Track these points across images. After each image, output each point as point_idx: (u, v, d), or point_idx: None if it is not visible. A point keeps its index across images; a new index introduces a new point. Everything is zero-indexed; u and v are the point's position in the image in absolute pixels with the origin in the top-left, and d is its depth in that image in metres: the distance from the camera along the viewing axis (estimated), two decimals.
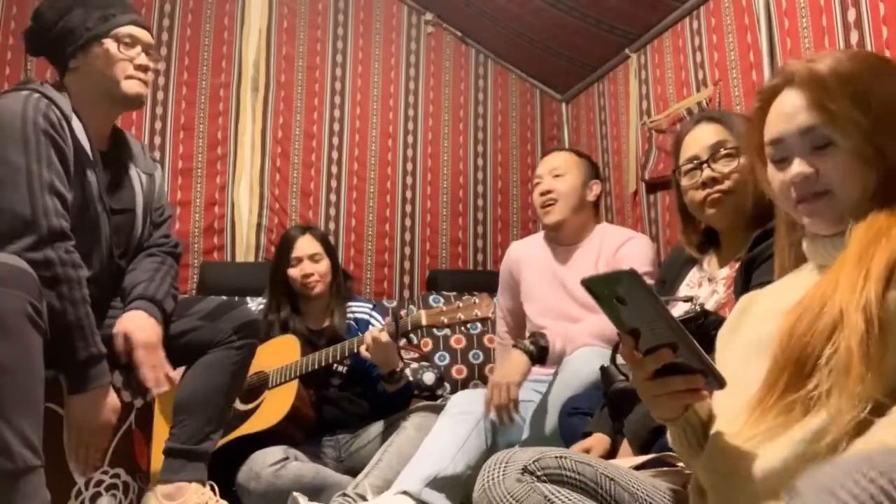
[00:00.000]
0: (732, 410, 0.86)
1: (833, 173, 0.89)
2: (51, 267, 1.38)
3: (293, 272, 2.30)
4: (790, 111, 0.92)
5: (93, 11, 1.61)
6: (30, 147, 1.43)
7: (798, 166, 0.91)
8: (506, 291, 2.45)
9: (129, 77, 1.63)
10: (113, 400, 1.50)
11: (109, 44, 1.61)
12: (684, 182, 1.64)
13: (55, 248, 1.40)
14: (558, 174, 2.26)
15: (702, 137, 1.63)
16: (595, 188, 2.30)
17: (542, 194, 2.27)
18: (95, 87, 1.62)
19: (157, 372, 1.55)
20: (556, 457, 1.09)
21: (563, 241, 2.30)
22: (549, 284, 2.27)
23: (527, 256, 2.38)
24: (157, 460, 1.68)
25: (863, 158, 0.87)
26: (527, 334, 2.34)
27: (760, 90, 0.99)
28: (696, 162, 1.60)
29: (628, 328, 0.81)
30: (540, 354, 1.88)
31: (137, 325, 1.55)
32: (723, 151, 1.59)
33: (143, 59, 1.65)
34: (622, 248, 2.18)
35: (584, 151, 2.56)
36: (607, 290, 0.77)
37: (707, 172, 1.58)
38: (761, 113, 0.97)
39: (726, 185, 1.57)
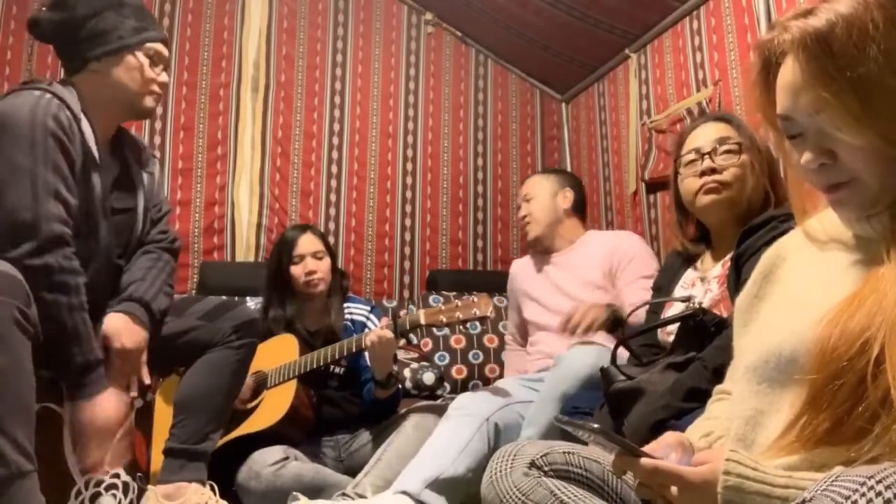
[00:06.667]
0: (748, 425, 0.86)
1: (853, 161, 0.78)
2: (50, 274, 1.38)
3: (296, 270, 2.29)
4: (793, 87, 0.81)
5: (126, 20, 1.60)
6: (37, 149, 1.42)
7: (810, 153, 0.80)
8: (512, 307, 2.58)
9: (150, 93, 1.65)
10: (116, 400, 1.48)
11: (142, 58, 1.62)
12: (683, 171, 1.66)
13: (55, 254, 1.39)
14: (528, 198, 2.45)
15: (707, 132, 1.66)
16: (567, 195, 2.43)
17: (521, 220, 2.49)
18: (112, 94, 1.62)
19: (125, 380, 1.54)
20: (565, 452, 1.09)
21: (550, 250, 2.43)
22: (544, 287, 2.38)
23: (524, 268, 2.53)
24: (157, 460, 1.68)
25: (884, 149, 0.76)
26: (530, 337, 2.41)
27: (758, 45, 0.87)
28: (697, 153, 1.62)
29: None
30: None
31: (116, 330, 1.53)
32: (725, 146, 1.61)
33: (164, 78, 1.68)
34: (620, 247, 2.27)
35: (556, 168, 2.79)
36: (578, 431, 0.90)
37: (707, 163, 1.61)
38: (765, 74, 0.86)
39: (724, 176, 1.59)
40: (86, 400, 1.44)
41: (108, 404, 1.47)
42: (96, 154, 1.56)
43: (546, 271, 2.41)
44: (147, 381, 1.60)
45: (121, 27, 1.60)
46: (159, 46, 1.66)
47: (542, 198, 2.42)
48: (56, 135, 1.45)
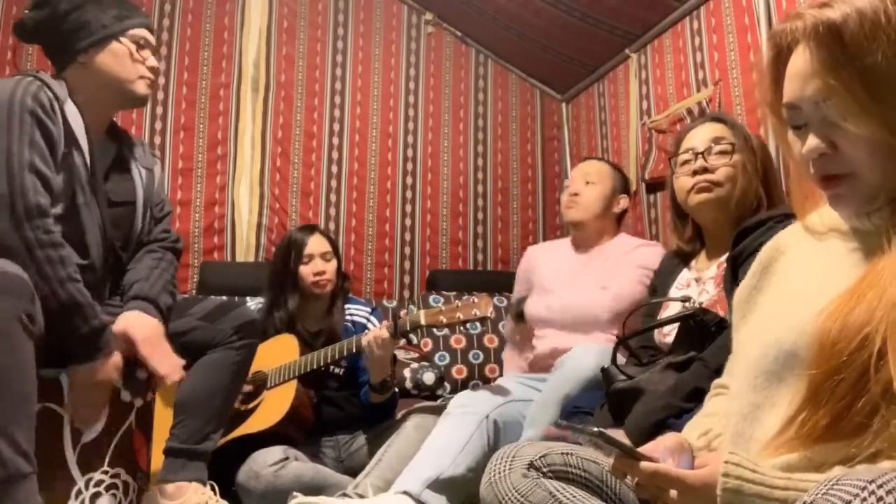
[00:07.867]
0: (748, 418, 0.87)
1: (854, 152, 0.79)
2: (30, 250, 1.38)
3: (305, 270, 2.29)
4: (802, 74, 0.82)
5: (107, 9, 1.62)
6: (13, 126, 1.43)
7: (812, 140, 0.81)
8: (521, 292, 2.48)
9: (141, 77, 1.66)
10: (115, 359, 1.48)
11: (128, 44, 1.63)
12: (678, 170, 1.69)
13: (33, 228, 1.39)
14: (589, 181, 2.30)
15: (702, 133, 1.70)
16: (622, 202, 2.33)
17: (570, 195, 2.31)
18: (105, 83, 1.63)
19: (167, 361, 1.54)
20: (563, 453, 1.10)
21: (581, 243, 2.34)
22: (564, 282, 2.27)
23: (544, 255, 2.42)
24: (157, 460, 1.68)
25: (886, 142, 0.77)
26: (534, 332, 2.35)
27: (772, 34, 0.88)
28: (691, 152, 1.65)
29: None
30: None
31: (134, 323, 1.54)
32: (719, 146, 1.66)
33: (153, 62, 1.68)
34: (635, 251, 2.22)
35: (617, 164, 2.57)
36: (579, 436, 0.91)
37: (700, 162, 1.65)
38: (775, 64, 0.87)
39: (716, 175, 1.63)
40: (91, 363, 1.44)
41: (111, 363, 1.47)
42: (81, 137, 1.56)
43: (569, 265, 2.31)
44: (181, 361, 1.58)
45: (103, 17, 1.61)
46: (144, 32, 1.67)
47: (604, 190, 2.29)
48: (34, 112, 1.45)
